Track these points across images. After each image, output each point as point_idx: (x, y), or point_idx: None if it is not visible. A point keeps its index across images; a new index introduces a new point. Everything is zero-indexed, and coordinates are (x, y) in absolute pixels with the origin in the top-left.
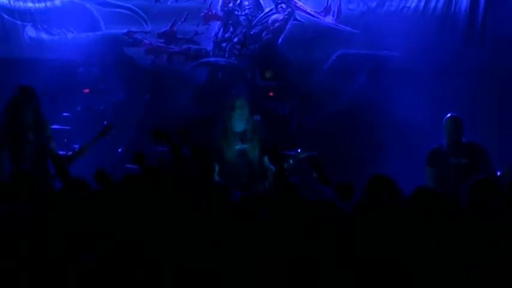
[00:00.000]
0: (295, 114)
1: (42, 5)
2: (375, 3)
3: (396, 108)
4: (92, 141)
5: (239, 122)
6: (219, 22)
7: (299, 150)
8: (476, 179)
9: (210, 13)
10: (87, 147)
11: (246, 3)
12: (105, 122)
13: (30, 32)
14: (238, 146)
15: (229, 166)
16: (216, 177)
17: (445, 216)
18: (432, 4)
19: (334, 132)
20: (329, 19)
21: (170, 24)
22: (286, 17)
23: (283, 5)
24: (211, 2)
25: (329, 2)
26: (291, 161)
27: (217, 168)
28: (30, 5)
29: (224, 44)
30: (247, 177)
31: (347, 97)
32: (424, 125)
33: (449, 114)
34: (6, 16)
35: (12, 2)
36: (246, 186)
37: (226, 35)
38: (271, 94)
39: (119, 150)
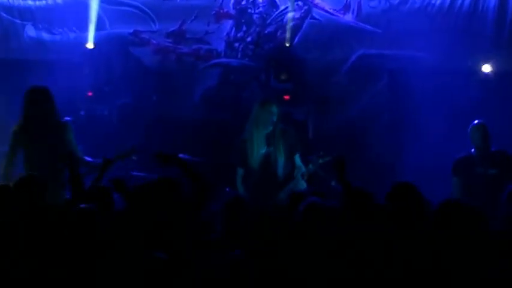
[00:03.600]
0: (311, 119)
1: (43, 2)
2: (397, 0)
3: (419, 113)
4: (112, 159)
5: (267, 126)
6: (231, 21)
7: (314, 157)
8: None
9: (221, 11)
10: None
11: (260, 0)
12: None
13: (30, 31)
14: (263, 150)
15: (254, 171)
16: (240, 185)
17: (472, 229)
18: (458, 1)
19: (353, 138)
20: (348, 17)
21: (179, 23)
22: (302, 15)
23: (300, 3)
24: None
25: None
26: (311, 166)
27: (240, 172)
28: (30, 2)
29: (236, 44)
30: (271, 184)
31: (367, 101)
32: (450, 131)
33: (476, 121)
34: (4, 15)
35: (11, 0)
36: (268, 196)
37: (239, 35)
38: (286, 97)
39: None
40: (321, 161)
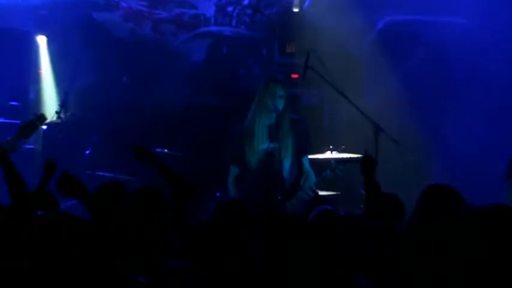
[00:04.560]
0: (326, 104)
1: None
2: None
3: (464, 97)
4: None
5: (271, 113)
6: None
7: (332, 152)
8: None
9: None
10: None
11: None
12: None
13: None
14: (265, 145)
15: (251, 171)
16: (232, 187)
17: None
18: None
19: (379, 129)
20: None
21: None
22: None
23: None
24: None
25: None
26: (329, 172)
27: (234, 171)
28: None
29: (230, 9)
30: (273, 189)
31: (397, 81)
32: (502, 120)
33: None
34: None
35: None
36: (268, 198)
37: None
38: (294, 76)
39: (87, 152)
40: (340, 167)
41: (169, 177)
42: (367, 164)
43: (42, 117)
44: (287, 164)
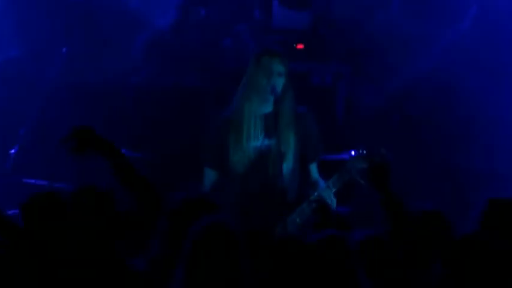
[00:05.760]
0: (342, 86)
1: None
2: None
3: None
4: None
5: (266, 98)
6: None
7: (352, 153)
8: None
9: None
10: None
11: None
12: None
13: None
14: (258, 142)
15: (237, 176)
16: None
17: None
18: None
19: (413, 119)
20: None
21: None
22: None
23: None
24: None
25: None
26: (324, 191)
27: (211, 177)
28: None
29: None
30: (267, 199)
31: (439, 54)
32: None
33: None
34: None
35: None
36: (262, 215)
37: None
38: (299, 47)
39: (12, 152)
40: (358, 166)
41: (131, 179)
42: (378, 170)
43: None
44: (288, 167)
